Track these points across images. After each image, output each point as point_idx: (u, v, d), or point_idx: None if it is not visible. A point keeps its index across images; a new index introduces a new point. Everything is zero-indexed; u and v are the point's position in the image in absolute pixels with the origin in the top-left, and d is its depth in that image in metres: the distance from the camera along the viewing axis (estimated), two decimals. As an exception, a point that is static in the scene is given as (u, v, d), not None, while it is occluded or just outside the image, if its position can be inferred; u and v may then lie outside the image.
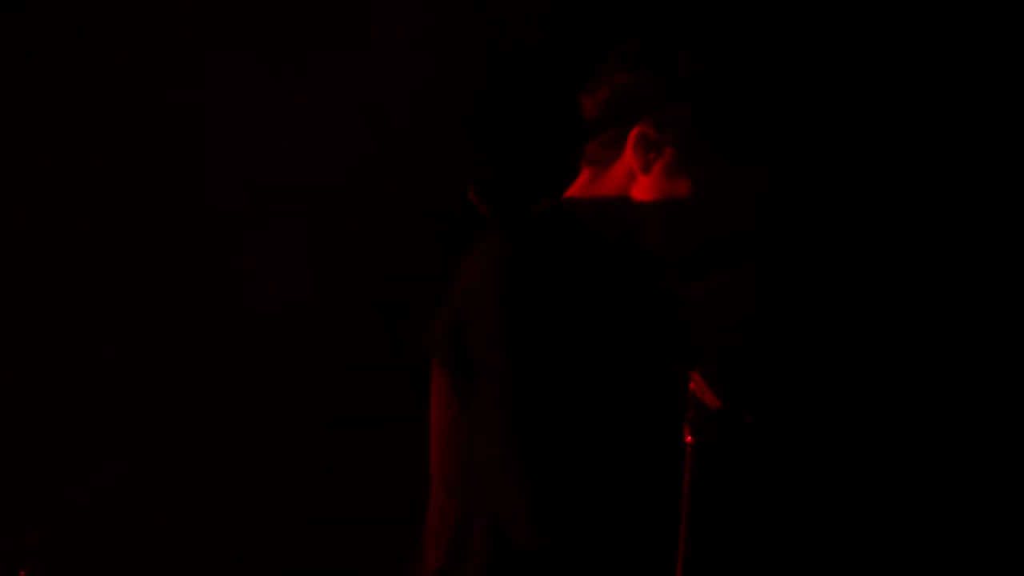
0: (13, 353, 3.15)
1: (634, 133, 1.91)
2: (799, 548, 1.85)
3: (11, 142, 3.15)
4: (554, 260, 1.83)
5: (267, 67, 3.17)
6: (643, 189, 1.93)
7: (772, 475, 1.81)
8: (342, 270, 3.21)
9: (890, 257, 2.15)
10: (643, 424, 1.79)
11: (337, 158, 3.16)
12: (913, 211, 2.44)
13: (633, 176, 1.93)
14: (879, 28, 2.52)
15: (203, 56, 3.16)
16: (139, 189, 3.17)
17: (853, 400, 1.97)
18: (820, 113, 1.92)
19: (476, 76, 3.12)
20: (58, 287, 3.17)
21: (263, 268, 3.19)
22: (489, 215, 1.95)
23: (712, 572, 1.78)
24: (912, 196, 2.46)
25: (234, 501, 3.18)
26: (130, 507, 3.16)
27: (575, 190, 1.98)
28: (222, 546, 3.17)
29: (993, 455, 2.35)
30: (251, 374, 3.20)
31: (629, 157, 1.92)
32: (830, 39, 1.99)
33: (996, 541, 2.33)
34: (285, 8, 3.18)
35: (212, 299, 3.19)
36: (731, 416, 1.76)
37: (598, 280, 1.84)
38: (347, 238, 3.21)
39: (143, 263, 3.18)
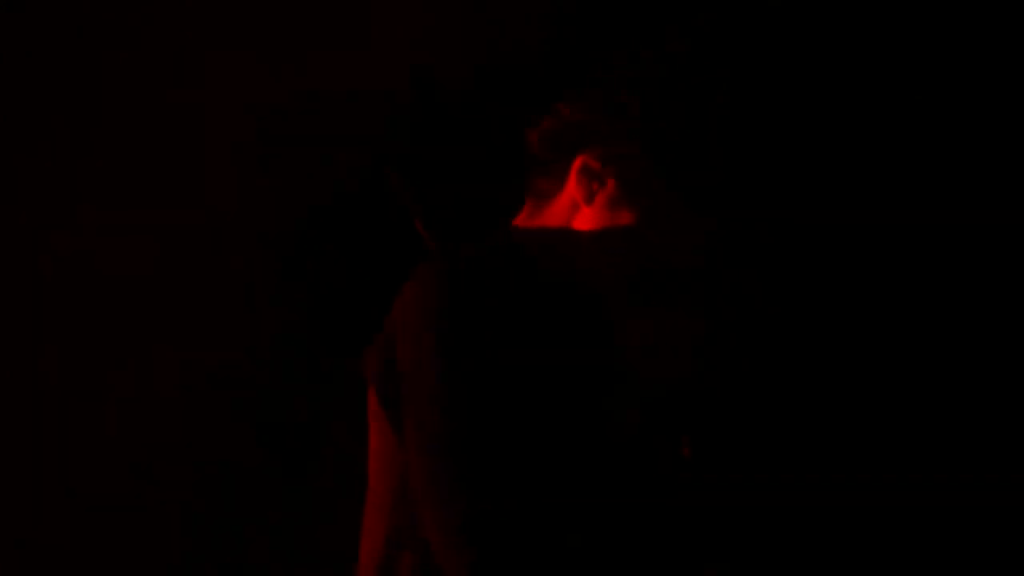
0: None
1: (577, 164, 1.91)
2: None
3: (10, 142, 3.15)
4: (487, 284, 1.82)
5: (267, 67, 3.17)
6: (585, 220, 1.93)
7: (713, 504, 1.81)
8: (341, 270, 3.21)
9: (839, 285, 2.15)
10: (574, 449, 1.77)
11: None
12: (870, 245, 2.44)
13: (576, 207, 1.93)
14: (839, 61, 2.51)
15: (203, 56, 3.16)
16: (139, 188, 3.18)
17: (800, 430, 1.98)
18: (776, 150, 1.92)
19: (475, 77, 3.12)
20: (58, 288, 3.17)
21: (261, 267, 3.20)
22: (434, 245, 1.96)
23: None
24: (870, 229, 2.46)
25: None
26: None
27: (518, 221, 1.98)
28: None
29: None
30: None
31: (572, 188, 1.92)
32: (782, 76, 1.98)
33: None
34: (285, 8, 3.18)
35: (211, 300, 3.19)
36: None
37: (532, 306, 1.83)
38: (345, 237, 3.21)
39: (143, 263, 3.18)
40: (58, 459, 3.15)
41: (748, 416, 1.88)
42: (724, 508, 1.81)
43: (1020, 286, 2.48)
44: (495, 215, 2.03)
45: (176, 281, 3.19)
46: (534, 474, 1.71)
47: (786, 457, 1.91)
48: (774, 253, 1.90)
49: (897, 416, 2.24)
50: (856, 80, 2.45)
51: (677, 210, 1.85)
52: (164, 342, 3.18)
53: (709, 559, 1.77)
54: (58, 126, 3.17)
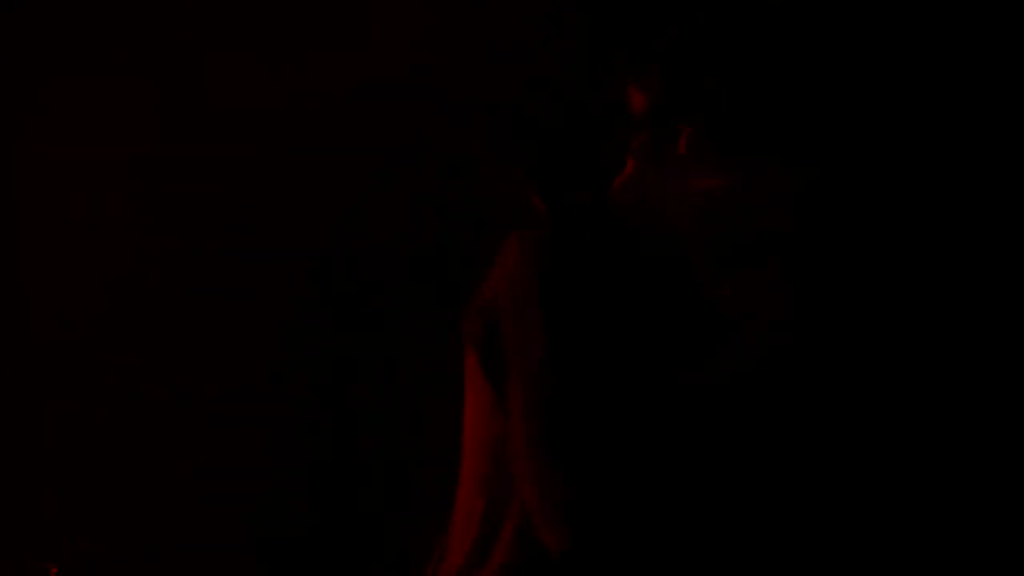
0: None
1: (673, 132, 1.93)
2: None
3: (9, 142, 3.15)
4: (592, 249, 1.83)
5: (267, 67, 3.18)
6: (679, 185, 1.94)
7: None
8: (339, 270, 3.22)
9: (919, 259, 2.16)
10: (669, 409, 1.79)
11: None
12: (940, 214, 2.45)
13: (671, 172, 1.95)
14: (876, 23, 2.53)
15: (203, 56, 3.17)
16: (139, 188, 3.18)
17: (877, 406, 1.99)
18: (839, 114, 1.94)
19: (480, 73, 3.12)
20: (59, 290, 3.17)
21: (260, 267, 3.20)
22: (537, 200, 1.96)
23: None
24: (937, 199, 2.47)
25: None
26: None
27: (619, 184, 1.99)
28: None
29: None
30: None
31: (668, 155, 1.94)
32: (838, 37, 2.01)
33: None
34: (285, 8, 3.18)
35: (208, 300, 3.19)
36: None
37: (630, 272, 1.85)
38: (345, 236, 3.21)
39: (142, 263, 3.18)
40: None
41: (837, 388, 1.88)
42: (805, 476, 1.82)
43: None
44: (596, 170, 2.05)
45: (173, 282, 3.20)
46: (632, 434, 1.72)
47: (871, 430, 1.91)
48: (858, 222, 1.92)
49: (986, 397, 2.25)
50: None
51: (771, 174, 1.87)
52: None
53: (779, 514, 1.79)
54: (56, 125, 3.18)
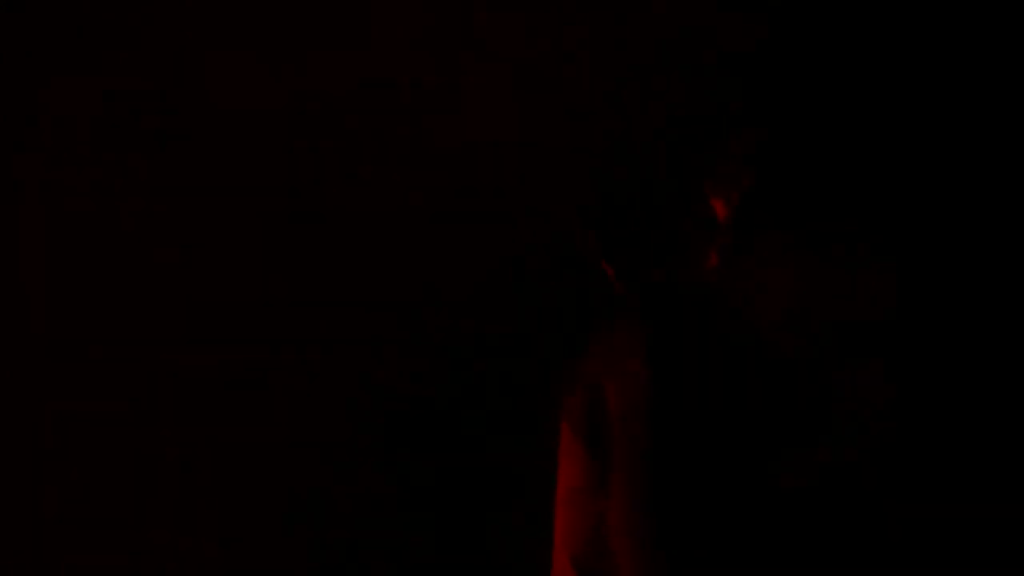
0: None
1: (761, 226, 1.93)
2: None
3: (9, 142, 3.15)
4: (698, 340, 1.85)
5: (267, 67, 3.17)
6: (774, 283, 1.94)
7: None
8: (340, 271, 3.21)
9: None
10: (770, 506, 1.80)
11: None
12: None
13: (765, 270, 1.95)
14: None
15: (203, 56, 3.16)
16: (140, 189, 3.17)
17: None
18: (934, 207, 1.93)
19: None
20: (59, 290, 3.17)
21: (260, 267, 3.19)
22: (622, 286, 1.97)
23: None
24: None
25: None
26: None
27: (711, 269, 1.99)
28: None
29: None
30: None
31: (756, 250, 1.94)
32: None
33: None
34: (285, 8, 3.18)
35: (207, 301, 3.19)
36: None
37: (738, 363, 1.86)
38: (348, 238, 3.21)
39: (142, 263, 3.18)
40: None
41: (943, 481, 1.89)
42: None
43: None
44: (676, 256, 2.06)
45: (172, 281, 3.19)
46: (734, 529, 1.74)
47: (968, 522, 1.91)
48: (957, 300, 1.92)
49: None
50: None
51: (863, 262, 1.88)
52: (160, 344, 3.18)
53: None
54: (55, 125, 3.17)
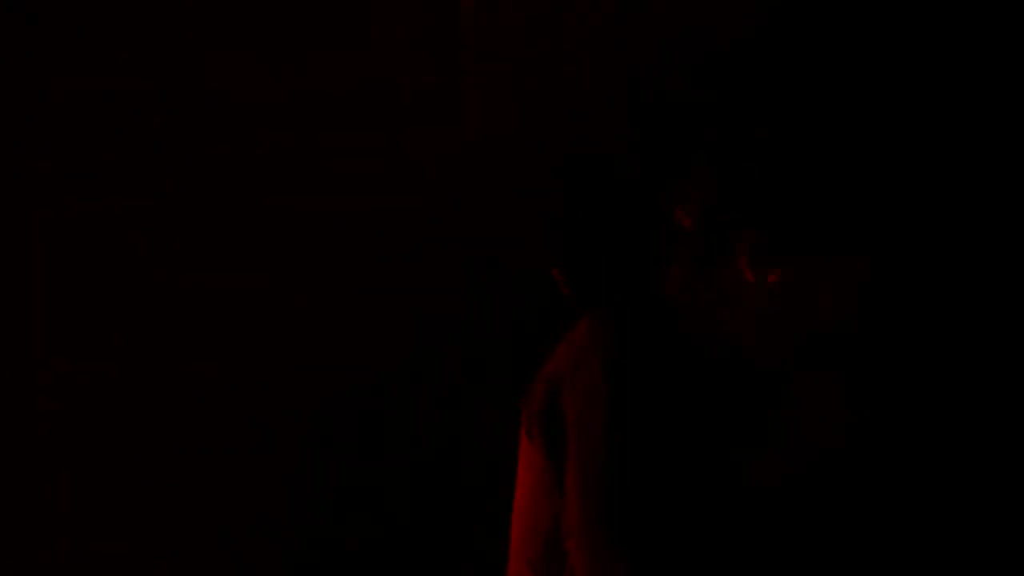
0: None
1: (740, 240, 1.92)
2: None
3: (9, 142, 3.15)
4: (655, 347, 1.85)
5: (267, 67, 3.17)
6: (733, 284, 1.94)
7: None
8: (343, 273, 3.21)
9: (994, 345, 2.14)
10: (723, 510, 1.80)
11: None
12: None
13: (725, 270, 1.94)
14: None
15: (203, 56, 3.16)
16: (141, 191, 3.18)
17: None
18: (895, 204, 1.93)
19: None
20: (62, 291, 3.17)
21: (259, 266, 3.19)
22: (576, 297, 1.98)
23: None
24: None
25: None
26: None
27: (673, 280, 1.98)
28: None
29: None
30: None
31: (721, 253, 1.93)
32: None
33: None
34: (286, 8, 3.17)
35: (203, 303, 3.19)
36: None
37: (693, 368, 1.86)
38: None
39: (141, 263, 3.18)
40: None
41: (899, 482, 1.89)
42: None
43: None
44: (636, 275, 2.06)
45: (172, 281, 3.19)
46: (685, 529, 1.75)
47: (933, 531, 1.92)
48: (920, 304, 1.93)
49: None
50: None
51: (823, 273, 1.88)
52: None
53: None
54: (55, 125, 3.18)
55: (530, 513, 1.90)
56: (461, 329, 3.11)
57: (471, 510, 3.04)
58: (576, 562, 1.78)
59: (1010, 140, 2.50)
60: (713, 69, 2.61)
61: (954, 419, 1.99)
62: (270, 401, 3.17)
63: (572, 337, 1.89)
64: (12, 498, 3.15)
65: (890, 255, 1.87)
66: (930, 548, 1.90)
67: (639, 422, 1.78)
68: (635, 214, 2.45)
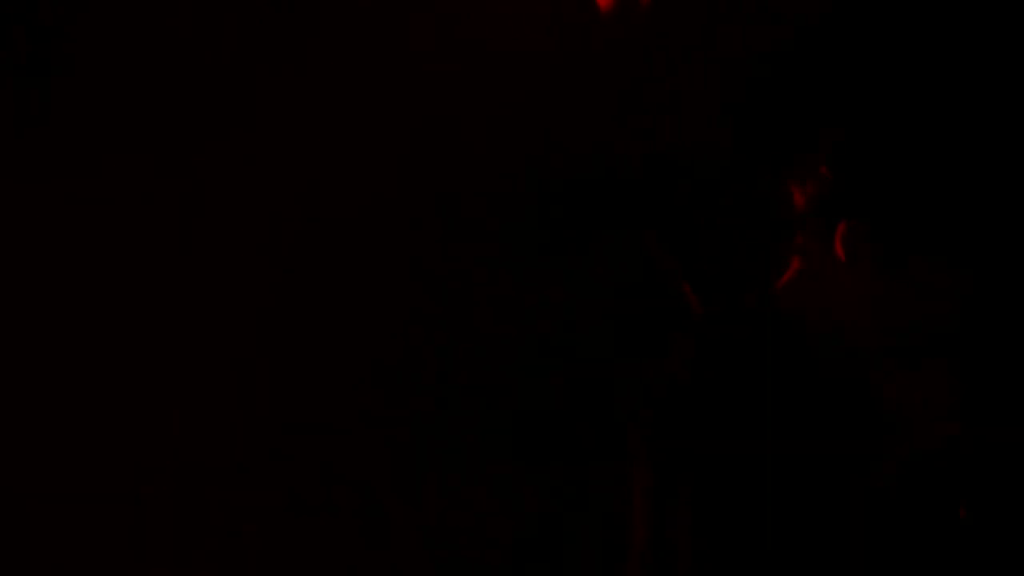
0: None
1: (842, 228, 1.93)
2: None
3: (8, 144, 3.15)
4: (756, 351, 1.88)
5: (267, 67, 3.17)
6: (850, 283, 1.95)
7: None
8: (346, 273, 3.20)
9: None
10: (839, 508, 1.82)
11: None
12: None
13: (837, 270, 1.96)
14: None
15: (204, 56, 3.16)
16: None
17: None
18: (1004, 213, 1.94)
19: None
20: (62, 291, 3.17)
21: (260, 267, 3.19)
22: (698, 306, 2.00)
23: None
24: None
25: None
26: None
27: (786, 282, 2.00)
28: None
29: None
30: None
31: (838, 251, 1.95)
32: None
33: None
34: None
35: (202, 304, 3.18)
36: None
37: (798, 369, 1.89)
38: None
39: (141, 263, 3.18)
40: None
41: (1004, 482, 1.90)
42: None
43: None
44: (757, 273, 2.07)
45: (176, 283, 3.19)
46: (798, 524, 1.78)
47: None
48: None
49: None
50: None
51: (931, 272, 1.90)
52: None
53: None
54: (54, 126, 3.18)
55: (644, 508, 1.93)
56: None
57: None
58: (683, 562, 1.83)
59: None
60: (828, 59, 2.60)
61: None
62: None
63: (673, 353, 1.93)
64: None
65: (1002, 251, 1.89)
66: None
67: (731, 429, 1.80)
68: (749, 209, 2.47)
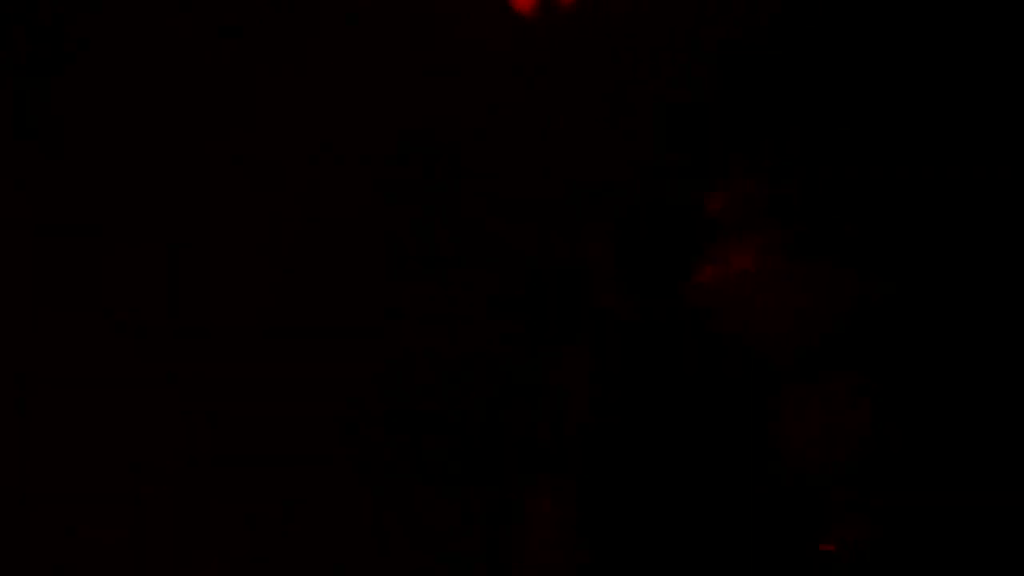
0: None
1: (755, 233, 1.94)
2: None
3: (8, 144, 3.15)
4: (656, 347, 1.88)
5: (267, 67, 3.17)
6: (762, 292, 1.96)
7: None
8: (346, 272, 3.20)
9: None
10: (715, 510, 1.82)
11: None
12: None
13: (754, 278, 1.96)
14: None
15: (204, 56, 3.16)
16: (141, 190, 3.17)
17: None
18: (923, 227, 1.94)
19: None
20: (63, 292, 3.17)
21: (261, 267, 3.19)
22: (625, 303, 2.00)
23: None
24: None
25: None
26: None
27: (697, 289, 2.00)
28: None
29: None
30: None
31: (745, 253, 1.95)
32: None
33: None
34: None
35: (199, 304, 3.18)
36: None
37: (699, 367, 1.88)
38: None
39: (139, 263, 3.18)
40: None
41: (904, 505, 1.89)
42: None
43: None
44: (667, 280, 2.07)
45: (175, 282, 3.19)
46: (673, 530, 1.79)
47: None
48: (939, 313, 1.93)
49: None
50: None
51: (848, 285, 1.90)
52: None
53: None
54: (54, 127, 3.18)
55: None
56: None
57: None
58: None
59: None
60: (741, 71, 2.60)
61: (970, 422, 1.99)
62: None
63: (567, 350, 1.92)
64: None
65: (909, 265, 1.89)
66: (947, 546, 1.90)
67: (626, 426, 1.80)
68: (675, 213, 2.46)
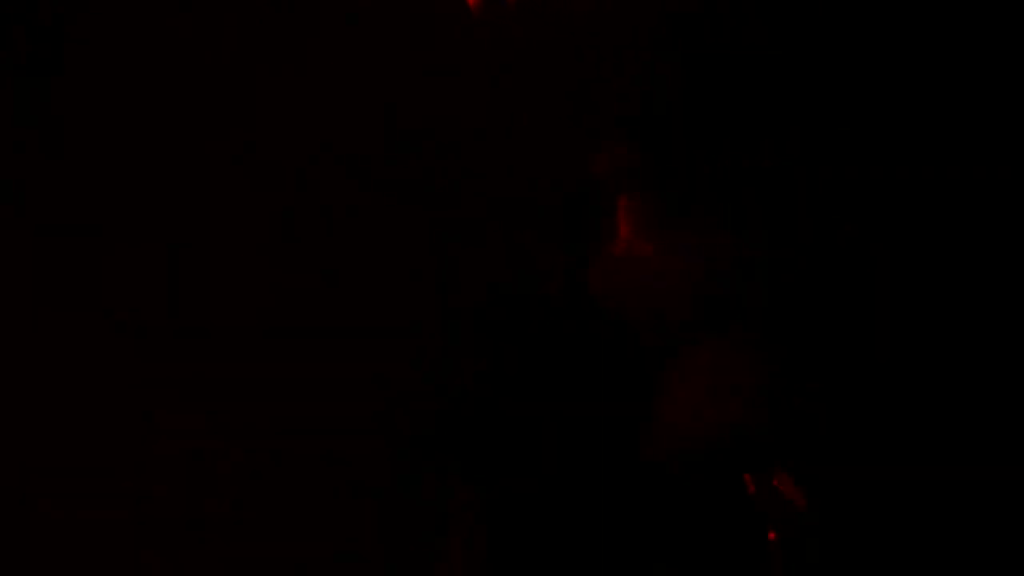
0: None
1: (627, 200, 1.94)
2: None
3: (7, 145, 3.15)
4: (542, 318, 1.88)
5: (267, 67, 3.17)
6: (657, 262, 1.96)
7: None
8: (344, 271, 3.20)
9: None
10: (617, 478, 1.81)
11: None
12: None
13: (650, 249, 1.96)
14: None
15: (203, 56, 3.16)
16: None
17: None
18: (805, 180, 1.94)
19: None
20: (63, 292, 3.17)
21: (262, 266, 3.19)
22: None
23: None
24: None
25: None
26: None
27: (596, 267, 2.01)
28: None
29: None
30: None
31: (625, 221, 1.96)
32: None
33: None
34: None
35: (199, 304, 3.18)
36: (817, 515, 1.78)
37: (591, 337, 1.88)
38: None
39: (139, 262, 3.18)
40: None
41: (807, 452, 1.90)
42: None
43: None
44: (564, 260, 2.07)
45: (175, 281, 3.19)
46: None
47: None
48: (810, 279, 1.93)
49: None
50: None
51: (732, 242, 1.90)
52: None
53: None
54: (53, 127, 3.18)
55: None
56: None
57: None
58: None
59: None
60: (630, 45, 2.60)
61: (868, 393, 2.00)
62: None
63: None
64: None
65: (785, 226, 1.88)
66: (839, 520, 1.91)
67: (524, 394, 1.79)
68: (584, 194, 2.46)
